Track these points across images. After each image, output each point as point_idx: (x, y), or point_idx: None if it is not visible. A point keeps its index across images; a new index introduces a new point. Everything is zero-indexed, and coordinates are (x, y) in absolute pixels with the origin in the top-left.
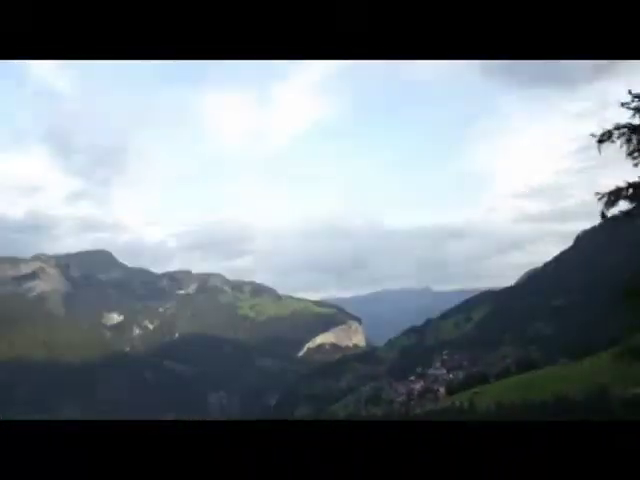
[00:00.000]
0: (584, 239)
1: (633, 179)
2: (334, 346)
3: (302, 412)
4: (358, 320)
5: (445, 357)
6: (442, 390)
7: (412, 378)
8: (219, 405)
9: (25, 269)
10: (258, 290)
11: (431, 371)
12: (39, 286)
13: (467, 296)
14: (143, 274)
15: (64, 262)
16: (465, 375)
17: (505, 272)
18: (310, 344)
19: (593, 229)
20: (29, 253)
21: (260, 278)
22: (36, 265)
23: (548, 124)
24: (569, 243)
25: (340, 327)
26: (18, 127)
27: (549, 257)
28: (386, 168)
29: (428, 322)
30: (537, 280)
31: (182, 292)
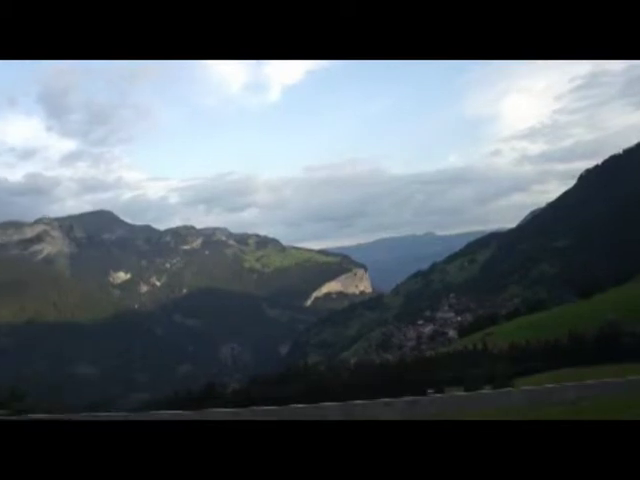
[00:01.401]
0: (587, 178)
1: (629, 116)
2: (341, 294)
3: (313, 360)
4: (364, 267)
5: (452, 300)
6: (452, 333)
7: (421, 322)
8: (231, 356)
9: (29, 232)
10: (263, 242)
11: (439, 314)
12: (45, 249)
13: (471, 239)
14: (147, 231)
15: (67, 224)
16: (474, 317)
17: (509, 214)
18: (317, 293)
19: (595, 168)
20: (31, 216)
21: (265, 230)
22: (40, 228)
23: (545, 65)
24: (572, 183)
25: (346, 275)
26: (12, 88)
27: (552, 198)
28: (385, 116)
29: (433, 266)
30: (540, 221)
31: (187, 247)
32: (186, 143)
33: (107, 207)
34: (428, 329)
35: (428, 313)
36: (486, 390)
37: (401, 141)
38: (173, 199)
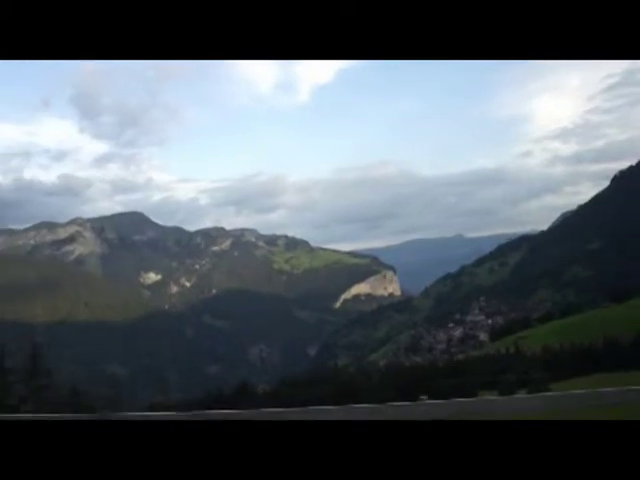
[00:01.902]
0: (620, 179)
1: None
2: (369, 296)
3: (342, 362)
4: (392, 269)
5: (482, 303)
6: (483, 336)
7: (451, 325)
8: (260, 358)
9: (63, 233)
10: (292, 244)
11: (469, 317)
12: (77, 250)
13: (501, 242)
14: (177, 232)
15: (99, 225)
16: (505, 320)
17: (540, 216)
18: (346, 295)
19: (629, 169)
20: (63, 216)
21: (293, 231)
22: (73, 229)
23: (578, 65)
24: (604, 184)
25: (375, 277)
26: (45, 90)
27: (584, 199)
28: (414, 117)
29: (463, 269)
30: (572, 223)
31: (217, 248)
32: (215, 144)
33: (138, 208)
34: (458, 332)
35: (458, 316)
36: (521, 394)
37: (431, 142)
38: (203, 200)
